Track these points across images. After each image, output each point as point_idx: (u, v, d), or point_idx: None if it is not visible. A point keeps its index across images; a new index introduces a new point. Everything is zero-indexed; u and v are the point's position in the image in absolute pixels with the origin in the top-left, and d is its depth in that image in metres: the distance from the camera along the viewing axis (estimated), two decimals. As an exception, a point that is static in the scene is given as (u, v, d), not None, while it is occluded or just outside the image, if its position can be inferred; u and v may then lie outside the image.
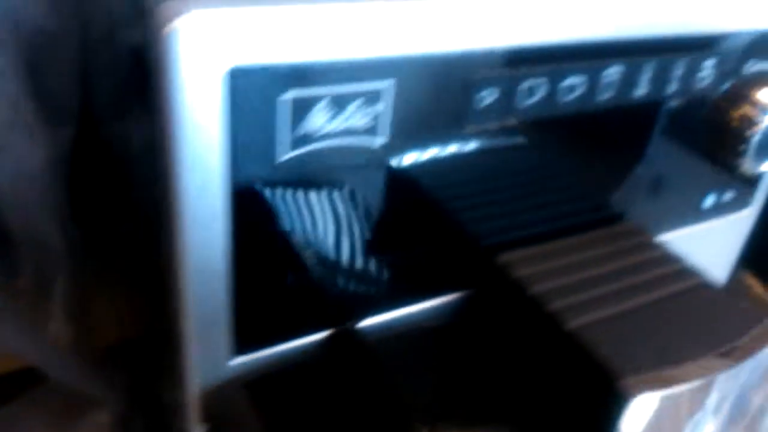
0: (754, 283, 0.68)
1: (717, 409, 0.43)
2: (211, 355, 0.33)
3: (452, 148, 0.35)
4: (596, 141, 0.43)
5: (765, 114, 0.45)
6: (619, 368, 0.32)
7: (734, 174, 0.47)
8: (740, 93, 0.46)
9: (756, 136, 0.45)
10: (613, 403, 0.32)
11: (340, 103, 0.28)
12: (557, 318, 0.36)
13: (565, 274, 0.39)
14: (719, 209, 0.51)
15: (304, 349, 0.35)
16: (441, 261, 0.39)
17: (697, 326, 0.36)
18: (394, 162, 0.33)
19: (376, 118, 0.30)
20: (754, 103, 0.45)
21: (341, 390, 0.35)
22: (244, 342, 0.33)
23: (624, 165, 0.45)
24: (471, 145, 0.36)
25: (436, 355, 0.38)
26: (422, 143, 0.33)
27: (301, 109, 0.27)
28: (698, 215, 0.50)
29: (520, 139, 0.39)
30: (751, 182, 0.52)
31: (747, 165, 0.46)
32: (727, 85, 0.45)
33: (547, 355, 0.37)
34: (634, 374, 0.32)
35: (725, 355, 0.34)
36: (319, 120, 0.28)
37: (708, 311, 0.38)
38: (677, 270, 0.41)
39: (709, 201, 0.50)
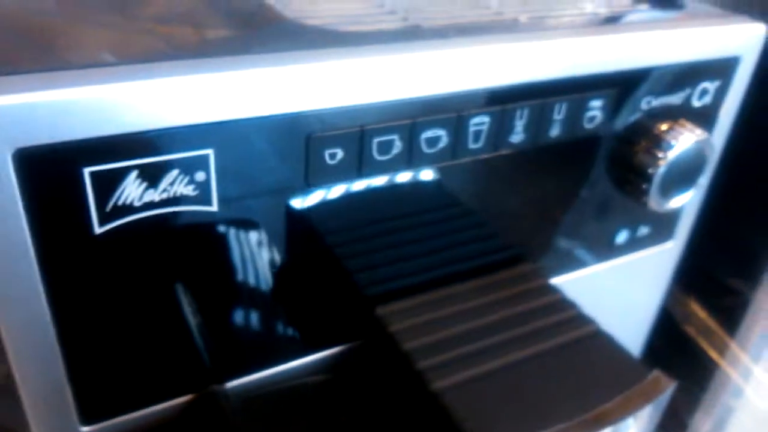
0: (697, 309, 0.66)
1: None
2: (58, 424, 0.32)
3: (319, 198, 0.34)
4: (490, 182, 0.41)
5: (666, 151, 0.43)
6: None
7: (646, 209, 0.46)
8: (641, 129, 0.44)
9: (658, 174, 0.43)
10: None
11: (152, 174, 0.27)
12: (425, 376, 0.34)
13: (445, 327, 0.37)
14: (637, 244, 0.50)
15: (163, 414, 0.34)
16: (311, 315, 0.38)
17: (574, 384, 0.35)
18: (246, 221, 0.32)
19: (201, 185, 0.29)
20: (655, 140, 0.43)
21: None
22: (91, 412, 0.32)
23: (518, 206, 0.43)
24: (345, 192, 0.35)
25: (307, 415, 0.37)
26: (269, 205, 0.32)
27: (108, 181, 0.27)
28: (612, 251, 0.49)
29: (405, 184, 0.38)
30: (666, 217, 0.50)
31: (653, 202, 0.45)
32: (630, 121, 0.44)
33: (416, 414, 0.35)
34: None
35: (592, 421, 0.33)
36: (133, 191, 0.27)
37: (589, 366, 0.36)
38: (567, 318, 0.39)
39: (622, 237, 0.48)
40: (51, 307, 0.28)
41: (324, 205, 0.35)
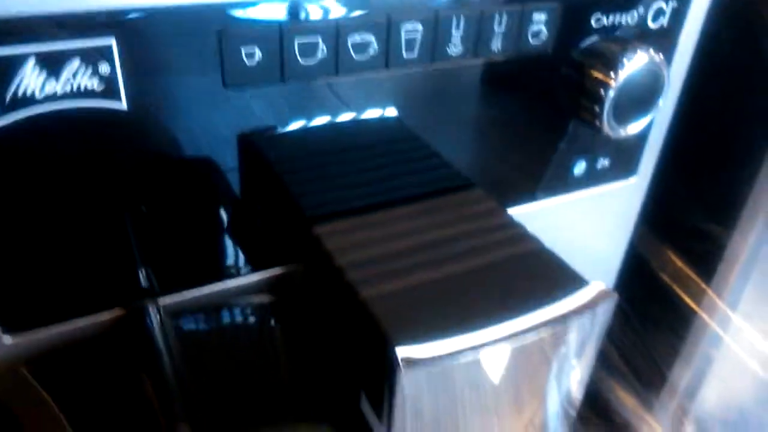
0: (673, 257, 0.64)
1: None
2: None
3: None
4: (436, 105, 0.40)
5: (617, 71, 0.41)
6: (394, 335, 0.30)
7: (601, 136, 0.44)
8: (592, 50, 0.42)
9: (610, 95, 0.42)
10: (388, 369, 0.29)
11: (52, 63, 0.26)
12: (354, 287, 0.33)
13: (382, 244, 0.36)
14: (597, 177, 0.48)
15: (90, 328, 0.34)
16: (240, 232, 0.37)
17: (509, 294, 0.34)
18: (164, 125, 0.31)
19: (107, 79, 0.28)
20: (605, 61, 0.42)
21: (125, 371, 0.33)
22: (11, 322, 0.31)
23: (467, 130, 0.42)
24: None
25: (239, 337, 0.37)
26: (189, 108, 0.31)
27: (3, 68, 0.26)
28: (571, 183, 0.47)
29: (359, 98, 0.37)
30: (626, 149, 0.48)
31: (608, 127, 0.43)
32: (580, 41, 0.42)
33: (348, 325, 0.34)
34: (410, 342, 0.30)
35: (522, 324, 0.31)
36: (32, 81, 0.26)
37: (527, 279, 0.35)
38: (510, 236, 0.38)
39: (580, 168, 0.47)
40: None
41: (252, 112, 0.34)
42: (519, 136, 0.44)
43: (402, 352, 0.29)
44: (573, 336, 0.34)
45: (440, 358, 0.29)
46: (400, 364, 0.29)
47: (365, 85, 0.37)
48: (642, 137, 0.48)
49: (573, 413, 0.39)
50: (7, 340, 0.32)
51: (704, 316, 0.64)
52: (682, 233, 0.64)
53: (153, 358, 0.32)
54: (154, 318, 0.34)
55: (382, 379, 0.30)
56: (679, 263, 0.64)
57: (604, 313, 0.35)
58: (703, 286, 0.63)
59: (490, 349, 0.30)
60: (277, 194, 0.39)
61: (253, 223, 0.38)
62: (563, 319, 0.32)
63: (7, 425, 0.32)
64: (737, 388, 0.65)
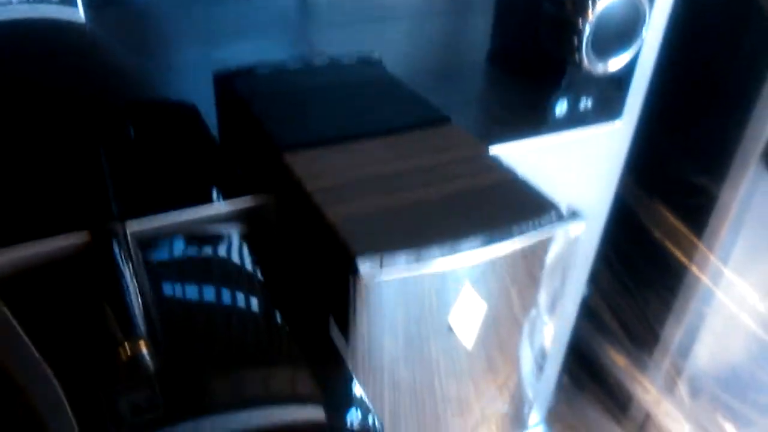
0: (664, 211, 0.63)
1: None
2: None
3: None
4: (407, 35, 0.40)
5: (595, 2, 0.41)
6: (356, 249, 0.29)
7: (582, 73, 0.44)
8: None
9: (588, 26, 0.41)
10: (350, 282, 0.29)
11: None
12: (321, 209, 0.33)
13: (352, 171, 0.36)
14: (580, 118, 0.47)
15: (56, 249, 0.33)
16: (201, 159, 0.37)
17: (477, 216, 0.33)
18: (127, 41, 0.31)
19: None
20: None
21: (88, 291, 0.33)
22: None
23: (439, 64, 0.41)
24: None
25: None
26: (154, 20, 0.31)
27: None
28: (553, 123, 0.46)
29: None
30: (609, 90, 0.47)
31: (587, 60, 0.42)
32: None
33: (315, 247, 0.34)
34: (371, 255, 0.29)
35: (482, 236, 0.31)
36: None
37: (498, 205, 0.34)
38: (484, 167, 0.38)
39: (562, 108, 0.46)
40: None
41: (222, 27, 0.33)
42: (498, 74, 0.43)
43: (363, 264, 0.29)
44: (539, 258, 0.33)
45: (401, 270, 0.29)
46: (361, 275, 0.29)
47: (345, 25, 0.36)
48: (625, 78, 0.47)
49: (544, 343, 0.39)
50: (-28, 259, 0.32)
51: (695, 271, 0.63)
52: (670, 184, 0.63)
53: (116, 280, 0.32)
54: (121, 241, 0.34)
55: (346, 293, 0.30)
56: (669, 216, 0.63)
57: (573, 235, 0.34)
58: (694, 240, 0.62)
59: (454, 265, 0.30)
60: (251, 128, 0.38)
61: (228, 155, 0.37)
62: (530, 238, 0.31)
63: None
64: (730, 344, 0.64)
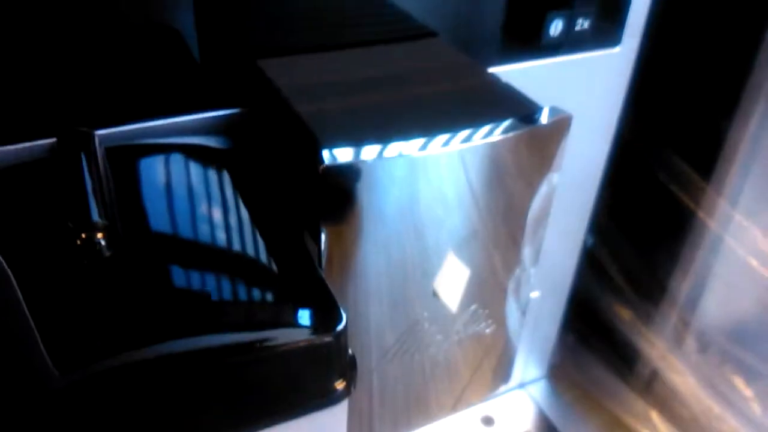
0: (671, 156, 0.61)
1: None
2: None
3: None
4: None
5: None
6: (323, 139, 0.28)
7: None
8: None
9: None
10: (318, 174, 0.27)
11: None
12: (290, 104, 0.31)
13: (328, 75, 0.34)
14: (576, 41, 0.45)
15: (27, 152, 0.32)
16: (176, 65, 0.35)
17: (449, 114, 0.31)
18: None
19: None
20: None
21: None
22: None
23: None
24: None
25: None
26: None
27: None
28: (547, 45, 0.44)
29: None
30: (609, 10, 0.45)
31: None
32: None
33: (284, 145, 0.32)
34: (337, 144, 0.27)
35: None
36: None
37: (476, 104, 0.32)
38: (464, 71, 0.36)
39: (556, 28, 0.44)
40: None
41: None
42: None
43: (327, 153, 0.27)
44: (519, 153, 0.31)
45: (368, 155, 0.27)
46: (325, 161, 0.27)
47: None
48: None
49: (532, 248, 0.37)
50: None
51: (703, 216, 0.60)
52: (675, 123, 0.60)
53: (80, 181, 0.30)
54: (89, 148, 0.32)
55: (315, 187, 0.28)
56: (674, 158, 0.61)
57: (555, 133, 0.32)
58: (701, 182, 0.59)
59: (426, 154, 0.28)
60: (226, 37, 0.37)
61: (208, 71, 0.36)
62: (508, 131, 0.29)
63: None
64: (740, 294, 0.62)
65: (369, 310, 0.31)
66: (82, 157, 0.32)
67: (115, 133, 0.34)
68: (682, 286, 0.65)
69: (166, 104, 0.35)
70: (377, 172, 0.27)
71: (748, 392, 0.63)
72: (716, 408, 0.64)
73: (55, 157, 0.32)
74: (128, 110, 0.34)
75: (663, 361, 0.68)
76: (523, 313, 0.39)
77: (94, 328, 0.24)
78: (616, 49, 0.47)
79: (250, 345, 0.24)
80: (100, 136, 0.33)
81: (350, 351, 0.28)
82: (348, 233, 0.29)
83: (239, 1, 0.35)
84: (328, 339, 0.25)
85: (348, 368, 0.26)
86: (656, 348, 0.68)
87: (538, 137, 0.31)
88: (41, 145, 0.33)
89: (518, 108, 0.31)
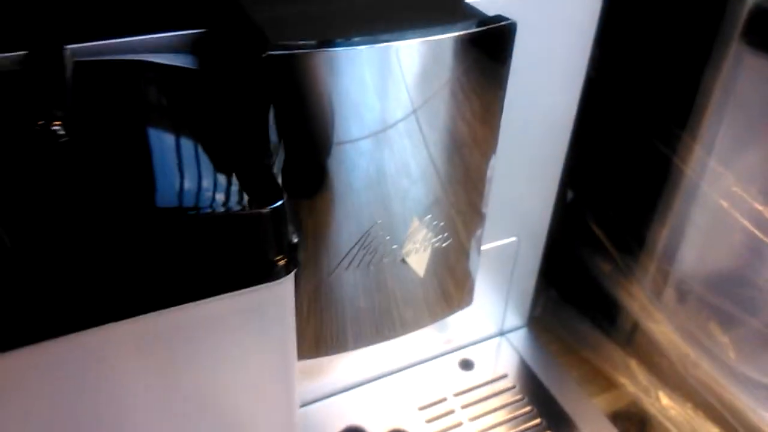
0: (645, 101, 0.61)
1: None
2: None
3: None
4: None
5: None
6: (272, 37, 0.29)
7: None
8: None
9: None
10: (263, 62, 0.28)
11: None
12: (249, 15, 0.32)
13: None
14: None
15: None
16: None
17: (392, 18, 0.32)
18: None
19: None
20: None
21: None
22: None
23: None
24: None
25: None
26: None
27: None
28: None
29: None
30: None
31: None
32: None
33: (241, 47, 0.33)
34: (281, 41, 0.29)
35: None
36: None
37: (419, 10, 0.33)
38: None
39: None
40: None
41: None
42: None
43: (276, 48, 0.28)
44: (462, 58, 0.32)
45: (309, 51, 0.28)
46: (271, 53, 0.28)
47: None
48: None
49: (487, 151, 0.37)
50: None
51: (679, 163, 0.61)
52: (645, 69, 0.61)
53: (48, 89, 0.32)
54: (59, 61, 0.34)
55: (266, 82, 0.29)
56: (647, 105, 0.61)
57: (497, 42, 0.33)
58: (675, 129, 0.60)
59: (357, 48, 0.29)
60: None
61: None
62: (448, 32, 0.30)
63: None
64: (715, 240, 0.62)
65: (326, 212, 0.33)
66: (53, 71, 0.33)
67: (84, 47, 0.36)
68: (660, 237, 0.66)
69: (135, 23, 0.37)
70: (316, 62, 0.29)
71: (724, 339, 0.64)
72: (693, 355, 0.65)
73: (27, 68, 0.34)
74: (100, 27, 0.36)
75: (643, 312, 0.68)
76: (480, 235, 0.40)
77: (45, 202, 0.26)
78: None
79: (190, 212, 0.25)
80: (71, 49, 0.35)
81: (295, 238, 0.29)
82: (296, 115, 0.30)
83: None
84: (266, 212, 0.26)
85: (289, 249, 0.28)
86: (636, 299, 0.69)
87: (482, 43, 0.32)
88: (16, 56, 0.34)
89: (467, 16, 0.32)
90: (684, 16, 0.56)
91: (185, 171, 0.28)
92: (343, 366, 0.59)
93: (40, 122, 0.28)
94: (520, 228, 0.61)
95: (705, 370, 0.65)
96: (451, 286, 0.40)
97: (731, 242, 0.61)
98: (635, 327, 0.70)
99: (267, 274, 0.27)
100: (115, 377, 0.28)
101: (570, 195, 0.70)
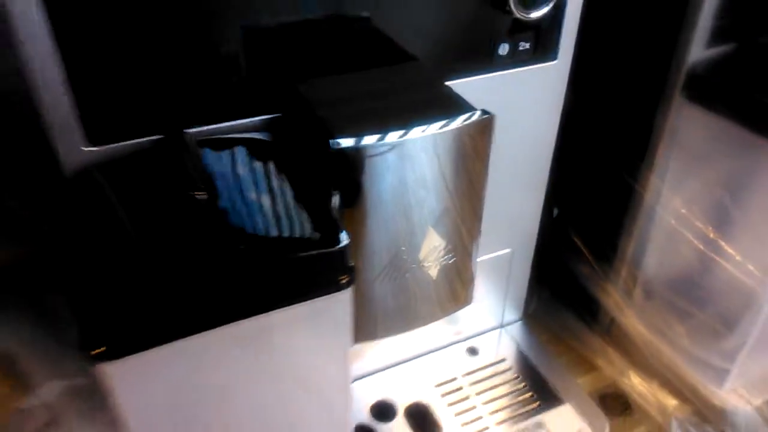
0: (610, 142, 0.76)
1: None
2: (71, 144, 0.47)
3: None
4: None
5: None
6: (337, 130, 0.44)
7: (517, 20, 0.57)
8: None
9: (513, -15, 0.55)
10: (330, 152, 0.44)
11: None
12: (315, 107, 0.48)
13: (342, 91, 0.51)
14: (520, 58, 0.61)
15: (143, 145, 0.50)
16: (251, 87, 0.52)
17: (420, 114, 0.47)
18: None
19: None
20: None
21: (168, 176, 0.48)
22: (92, 137, 0.48)
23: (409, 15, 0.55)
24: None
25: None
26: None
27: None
28: (498, 62, 0.60)
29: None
30: (545, 34, 0.61)
31: (516, 10, 0.56)
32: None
33: (312, 139, 0.49)
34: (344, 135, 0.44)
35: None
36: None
37: (435, 106, 0.49)
38: (435, 86, 0.52)
39: (504, 49, 0.59)
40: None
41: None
42: (453, 21, 0.57)
43: (339, 141, 0.44)
44: (460, 141, 0.47)
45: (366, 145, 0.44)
46: (335, 146, 0.43)
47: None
48: (557, 24, 0.60)
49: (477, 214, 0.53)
50: (88, 148, 0.48)
51: (640, 189, 0.75)
52: (610, 115, 0.76)
53: (185, 165, 0.48)
54: (188, 142, 0.50)
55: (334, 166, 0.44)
56: (613, 144, 0.76)
57: (483, 128, 0.48)
58: (638, 162, 0.75)
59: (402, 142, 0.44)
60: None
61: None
62: (449, 125, 0.46)
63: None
64: (669, 250, 0.77)
65: (368, 243, 0.48)
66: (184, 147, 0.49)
67: (200, 131, 0.51)
68: (628, 247, 0.80)
69: (231, 112, 0.52)
70: (373, 153, 0.44)
71: (681, 329, 0.78)
72: (657, 342, 0.80)
73: (163, 148, 0.50)
74: (207, 115, 0.52)
75: (617, 308, 0.83)
76: (476, 252, 0.55)
77: (193, 238, 0.41)
78: (554, 62, 0.63)
79: (286, 253, 0.41)
80: (191, 133, 0.51)
81: (352, 263, 0.44)
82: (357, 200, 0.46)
83: (281, 42, 0.52)
84: (336, 250, 0.42)
85: (349, 271, 0.43)
86: (612, 298, 0.83)
87: (473, 131, 0.47)
88: (152, 140, 0.50)
89: (460, 110, 0.47)
90: (639, 74, 0.71)
91: (281, 218, 0.44)
92: (375, 353, 0.75)
93: (190, 192, 0.44)
94: (513, 240, 0.76)
95: (666, 354, 0.79)
96: (457, 290, 0.56)
97: (682, 253, 0.76)
98: (612, 320, 0.84)
99: (336, 288, 0.42)
100: (232, 361, 0.44)
101: (555, 212, 0.85)
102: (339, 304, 0.44)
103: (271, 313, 0.42)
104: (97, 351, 0.37)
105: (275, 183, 0.48)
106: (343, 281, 0.43)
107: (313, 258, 0.41)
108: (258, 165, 0.50)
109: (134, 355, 0.39)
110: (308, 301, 0.42)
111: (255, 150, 0.51)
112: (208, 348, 0.42)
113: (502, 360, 0.79)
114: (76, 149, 0.48)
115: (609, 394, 0.82)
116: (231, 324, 0.42)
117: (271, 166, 0.50)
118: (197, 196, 0.43)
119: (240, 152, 0.51)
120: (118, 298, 0.39)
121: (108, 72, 0.46)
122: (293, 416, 0.51)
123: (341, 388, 0.51)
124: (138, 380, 0.40)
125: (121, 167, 0.48)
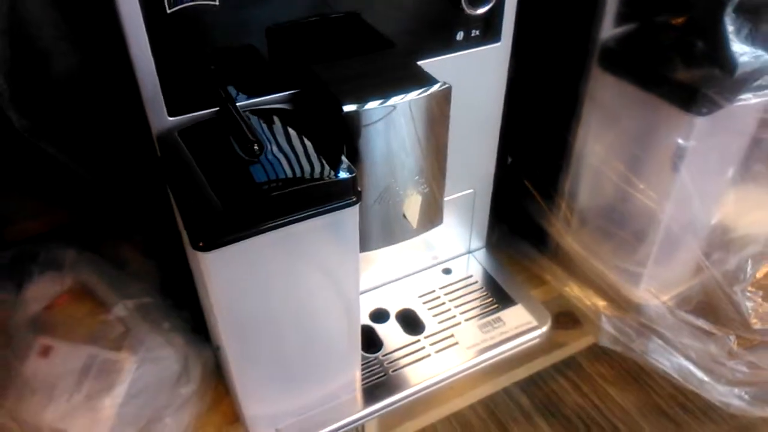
0: (544, 103, 0.97)
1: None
2: (158, 115, 0.68)
3: None
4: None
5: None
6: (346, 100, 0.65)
7: (468, 13, 0.78)
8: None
9: (463, -11, 0.75)
10: (341, 119, 0.65)
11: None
12: (328, 84, 0.69)
13: (348, 71, 0.72)
14: (472, 42, 0.81)
15: (207, 116, 0.70)
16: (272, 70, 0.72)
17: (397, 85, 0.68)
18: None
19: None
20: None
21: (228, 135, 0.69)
22: (172, 110, 0.68)
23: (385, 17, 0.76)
24: None
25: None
26: None
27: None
28: (456, 45, 0.81)
29: None
30: (490, 22, 0.81)
31: (467, 7, 0.77)
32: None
33: (325, 108, 0.70)
34: (352, 103, 0.65)
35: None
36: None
37: (409, 79, 0.70)
38: (408, 65, 0.73)
39: (460, 35, 0.80)
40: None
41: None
42: (421, 16, 0.77)
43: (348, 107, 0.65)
44: (429, 105, 0.68)
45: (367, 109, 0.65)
46: (345, 111, 0.64)
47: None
48: (499, 14, 0.81)
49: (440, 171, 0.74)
50: (172, 119, 0.68)
51: (571, 139, 0.97)
52: (550, 78, 0.97)
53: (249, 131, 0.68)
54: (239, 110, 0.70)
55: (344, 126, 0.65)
56: (547, 106, 0.97)
57: (445, 96, 0.69)
58: (569, 120, 0.96)
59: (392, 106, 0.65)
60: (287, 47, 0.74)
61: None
62: (423, 94, 0.67)
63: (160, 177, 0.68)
64: (599, 188, 0.98)
65: (367, 175, 0.69)
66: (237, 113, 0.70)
67: (244, 104, 0.72)
68: (566, 187, 1.02)
69: (264, 89, 0.73)
70: (371, 115, 0.65)
71: (607, 246, 1.00)
72: (590, 258, 1.02)
73: (222, 116, 0.70)
74: (248, 91, 0.72)
75: (560, 235, 1.04)
76: (443, 185, 0.77)
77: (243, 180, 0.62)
78: (498, 44, 0.84)
79: (314, 181, 0.62)
80: (241, 105, 0.71)
81: (359, 188, 0.66)
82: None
83: (298, 36, 0.73)
84: (347, 179, 0.63)
85: (357, 193, 0.65)
86: (555, 227, 1.04)
87: (438, 97, 0.68)
88: (213, 111, 0.70)
89: (429, 82, 0.69)
90: (565, 49, 0.92)
91: (306, 163, 0.65)
92: (372, 274, 0.97)
93: (249, 144, 0.64)
94: (475, 183, 0.97)
95: (598, 267, 1.01)
96: (430, 213, 0.77)
97: (605, 188, 0.97)
98: (557, 245, 1.06)
99: (348, 204, 0.64)
100: (278, 258, 0.65)
101: (509, 160, 1.07)
102: (350, 217, 0.65)
103: (306, 221, 0.63)
104: (200, 244, 0.58)
105: (299, 140, 0.69)
106: (353, 200, 0.64)
107: (330, 183, 0.63)
108: (287, 127, 0.71)
109: (220, 248, 0.60)
110: (330, 213, 0.64)
111: (283, 117, 0.72)
112: (262, 248, 0.63)
113: (470, 276, 1.00)
114: (164, 119, 0.68)
115: (555, 301, 1.04)
116: (279, 229, 0.63)
117: (295, 129, 0.71)
118: (254, 148, 0.64)
119: (274, 118, 0.72)
120: (211, 211, 0.60)
121: (182, 66, 0.66)
122: (319, 307, 0.73)
123: (353, 286, 0.73)
124: (223, 266, 0.61)
125: (195, 130, 0.69)
